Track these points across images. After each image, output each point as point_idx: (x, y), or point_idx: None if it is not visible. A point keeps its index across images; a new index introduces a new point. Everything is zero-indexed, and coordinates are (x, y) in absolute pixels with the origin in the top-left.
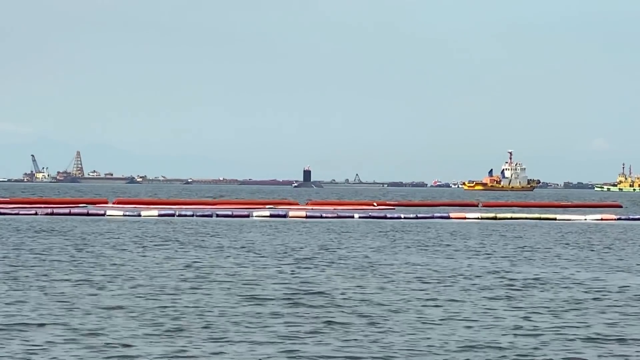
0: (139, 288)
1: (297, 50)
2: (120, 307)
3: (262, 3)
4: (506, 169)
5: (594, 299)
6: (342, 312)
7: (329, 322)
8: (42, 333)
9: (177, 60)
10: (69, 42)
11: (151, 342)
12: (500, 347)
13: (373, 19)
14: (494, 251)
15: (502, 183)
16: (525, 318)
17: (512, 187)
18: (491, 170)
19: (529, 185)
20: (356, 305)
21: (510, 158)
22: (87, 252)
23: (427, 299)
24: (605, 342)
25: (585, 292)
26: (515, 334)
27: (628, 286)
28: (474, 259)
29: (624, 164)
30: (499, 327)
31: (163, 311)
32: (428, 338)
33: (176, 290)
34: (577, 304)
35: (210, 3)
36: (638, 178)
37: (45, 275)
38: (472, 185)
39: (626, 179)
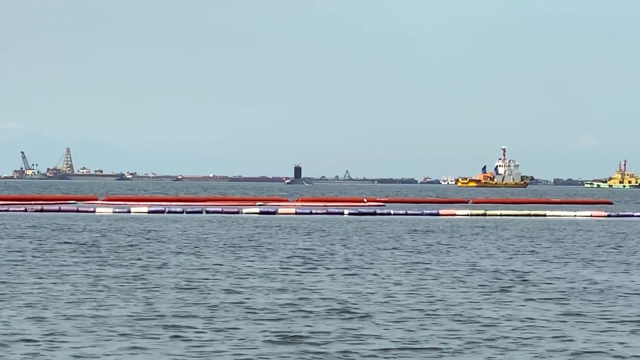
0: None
1: (286, 47)
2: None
3: (252, 1)
4: (499, 166)
5: None
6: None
7: None
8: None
9: (167, 57)
10: (58, 39)
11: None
12: None
13: (363, 15)
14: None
15: (495, 179)
16: None
17: (506, 184)
18: (484, 166)
19: (522, 182)
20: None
21: (504, 154)
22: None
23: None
24: None
25: None
26: None
27: None
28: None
29: (625, 161)
30: None
31: None
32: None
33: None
34: None
35: (202, 2)
36: (628, 174)
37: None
38: (465, 181)
39: (622, 175)
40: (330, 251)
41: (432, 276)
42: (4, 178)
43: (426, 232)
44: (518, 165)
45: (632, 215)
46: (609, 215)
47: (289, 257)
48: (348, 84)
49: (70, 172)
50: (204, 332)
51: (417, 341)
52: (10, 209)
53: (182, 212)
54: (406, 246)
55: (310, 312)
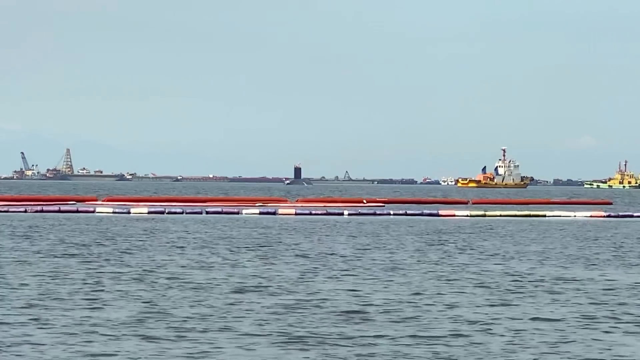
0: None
1: (287, 48)
2: None
3: (252, 1)
4: (499, 166)
5: None
6: None
7: None
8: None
9: (167, 58)
10: (58, 39)
11: None
12: None
13: (363, 16)
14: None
15: (495, 180)
16: None
17: (506, 184)
18: (484, 167)
19: (522, 183)
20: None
21: (504, 155)
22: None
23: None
24: None
25: None
26: None
27: None
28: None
29: (626, 161)
30: None
31: None
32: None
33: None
34: None
35: (202, 2)
36: (628, 175)
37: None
38: (465, 182)
39: (622, 175)
40: (331, 252)
41: (433, 277)
42: (4, 178)
43: (426, 233)
44: (518, 165)
45: (632, 216)
46: (608, 216)
47: (290, 258)
48: (348, 85)
49: (70, 172)
50: (206, 333)
51: (419, 342)
52: (10, 210)
53: (182, 213)
54: (407, 247)
55: (313, 313)
